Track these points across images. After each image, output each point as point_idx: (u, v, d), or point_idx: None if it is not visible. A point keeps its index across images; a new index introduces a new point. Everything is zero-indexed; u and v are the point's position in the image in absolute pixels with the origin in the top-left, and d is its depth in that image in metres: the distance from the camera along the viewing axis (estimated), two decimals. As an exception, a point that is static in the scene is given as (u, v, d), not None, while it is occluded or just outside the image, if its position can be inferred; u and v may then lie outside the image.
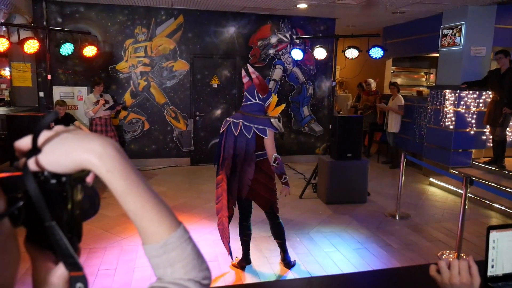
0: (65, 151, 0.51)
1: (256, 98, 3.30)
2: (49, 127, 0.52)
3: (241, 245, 3.57)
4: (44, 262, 0.56)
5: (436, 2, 6.28)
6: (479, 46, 6.57)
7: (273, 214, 3.45)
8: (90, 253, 3.79)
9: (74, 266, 0.51)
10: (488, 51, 6.64)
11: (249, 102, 3.33)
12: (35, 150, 0.50)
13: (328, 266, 3.67)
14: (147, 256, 0.57)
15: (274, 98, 3.39)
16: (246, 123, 3.23)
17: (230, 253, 3.48)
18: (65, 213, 0.52)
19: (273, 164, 3.18)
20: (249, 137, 3.21)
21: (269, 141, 3.20)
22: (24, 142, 0.52)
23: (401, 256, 3.90)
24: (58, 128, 0.54)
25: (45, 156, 0.50)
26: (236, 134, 3.24)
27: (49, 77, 5.53)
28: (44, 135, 0.52)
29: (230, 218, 3.37)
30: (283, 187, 3.25)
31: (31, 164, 0.50)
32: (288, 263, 3.62)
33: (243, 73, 3.46)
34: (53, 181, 0.51)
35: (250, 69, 3.31)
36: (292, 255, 3.79)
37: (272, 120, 3.24)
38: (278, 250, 3.70)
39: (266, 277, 3.44)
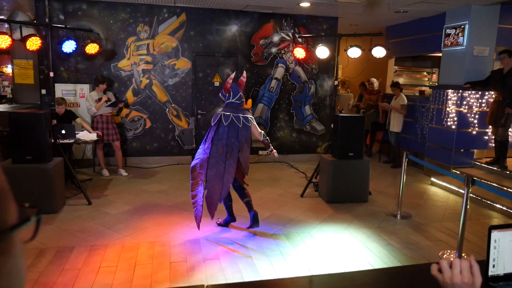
0: None
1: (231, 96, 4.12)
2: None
3: (226, 209, 4.35)
4: None
5: (439, 1, 6.26)
6: (482, 46, 6.55)
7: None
8: (92, 251, 3.80)
9: None
10: (491, 51, 6.62)
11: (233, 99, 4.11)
12: None
13: (329, 264, 3.67)
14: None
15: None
16: (235, 115, 3.98)
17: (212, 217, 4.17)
18: None
19: (264, 139, 4.16)
20: (240, 126, 3.96)
21: (254, 126, 4.09)
22: None
23: (402, 256, 3.90)
24: None
25: None
26: (225, 124, 3.96)
27: (51, 74, 5.52)
28: None
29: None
30: (272, 153, 4.23)
31: None
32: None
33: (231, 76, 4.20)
34: None
35: (232, 75, 4.16)
36: (293, 253, 3.84)
37: (250, 110, 4.14)
38: (278, 248, 3.88)
39: (267, 275, 3.44)
